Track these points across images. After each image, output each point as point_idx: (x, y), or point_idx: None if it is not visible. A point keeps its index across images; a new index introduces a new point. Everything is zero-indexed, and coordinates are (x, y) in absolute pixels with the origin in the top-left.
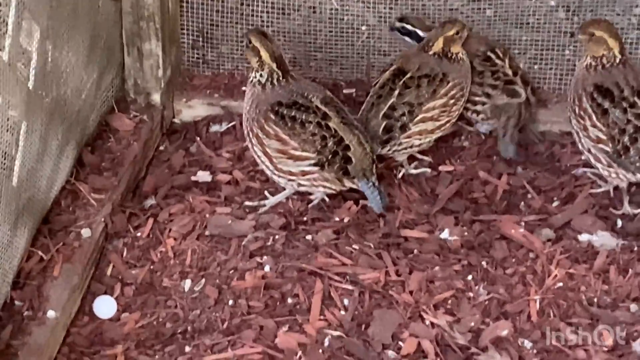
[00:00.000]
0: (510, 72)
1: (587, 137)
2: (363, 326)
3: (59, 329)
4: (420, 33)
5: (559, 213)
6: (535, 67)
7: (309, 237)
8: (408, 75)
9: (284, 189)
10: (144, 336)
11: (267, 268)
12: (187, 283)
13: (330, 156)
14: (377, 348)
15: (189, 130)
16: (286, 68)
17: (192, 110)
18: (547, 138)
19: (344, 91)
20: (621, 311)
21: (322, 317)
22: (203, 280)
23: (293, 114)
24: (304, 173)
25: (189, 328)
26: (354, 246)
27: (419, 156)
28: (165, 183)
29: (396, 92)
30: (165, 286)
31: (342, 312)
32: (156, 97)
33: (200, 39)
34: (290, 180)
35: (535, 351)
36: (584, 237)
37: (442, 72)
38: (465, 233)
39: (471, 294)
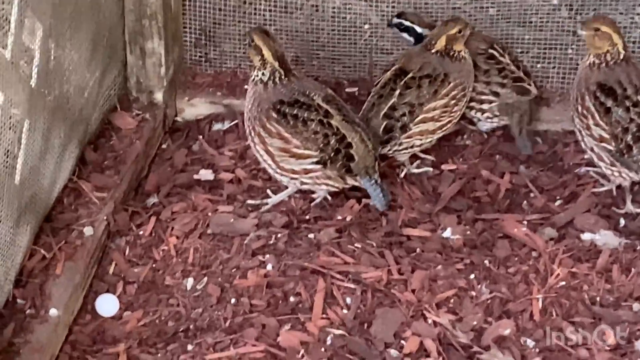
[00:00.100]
0: (515, 69)
1: (590, 135)
2: (365, 325)
3: (61, 327)
4: (419, 29)
5: (562, 212)
6: (538, 65)
7: (311, 235)
8: (409, 76)
9: (286, 187)
10: (146, 334)
11: (269, 266)
12: (190, 281)
13: (332, 154)
14: (380, 347)
15: (192, 129)
16: (288, 67)
17: (194, 108)
18: (550, 137)
19: (347, 90)
20: (624, 310)
21: (324, 316)
22: (205, 279)
23: (295, 112)
24: (306, 171)
25: (191, 326)
26: (356, 245)
27: (422, 155)
28: (168, 181)
29: (397, 92)
30: (167, 284)
31: (345, 311)
32: (159, 96)
33: (203, 37)
34: (292, 178)
35: (537, 350)
36: (586, 236)
37: (443, 73)
38: (468, 232)
39: (474, 293)
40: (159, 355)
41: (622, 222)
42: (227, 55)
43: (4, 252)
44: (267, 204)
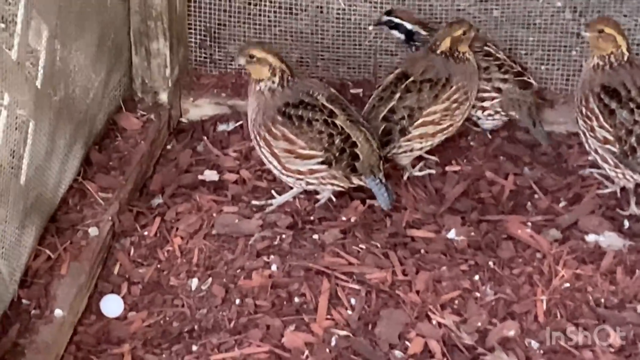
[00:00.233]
0: (513, 64)
1: (594, 137)
2: (370, 326)
3: (66, 328)
4: (409, 26)
5: (566, 213)
6: (542, 67)
7: (315, 236)
8: (411, 79)
9: (291, 188)
10: (150, 335)
11: (274, 267)
12: (194, 282)
13: (337, 154)
14: (384, 348)
15: (196, 130)
16: (291, 66)
17: (199, 109)
18: (554, 138)
19: (351, 91)
20: (628, 312)
21: (329, 317)
22: (210, 279)
23: (300, 113)
24: (312, 171)
25: (195, 327)
26: (360, 246)
27: (425, 155)
28: (173, 182)
29: (397, 96)
30: (172, 285)
31: (349, 312)
32: (164, 97)
33: (208, 38)
34: (298, 179)
35: (542, 352)
36: (590, 238)
37: (445, 77)
38: (472, 233)
39: (478, 294)
40: (164, 355)
41: (626, 223)
42: (232, 57)
43: (9, 253)
44: (271, 204)
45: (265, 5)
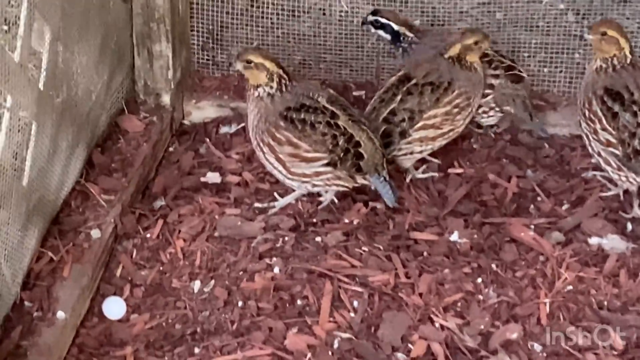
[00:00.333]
0: (502, 58)
1: (597, 140)
2: (372, 328)
3: (68, 330)
4: (395, 26)
5: (569, 216)
6: (545, 70)
7: (318, 238)
8: (412, 82)
9: (293, 190)
10: (153, 337)
11: (276, 269)
12: (197, 284)
13: (342, 154)
14: (387, 350)
15: (199, 132)
16: (288, 71)
17: (201, 111)
18: (557, 141)
19: (354, 93)
20: (631, 315)
21: (331, 319)
22: (212, 282)
23: (302, 116)
24: (317, 174)
25: (198, 329)
26: (363, 248)
27: (428, 158)
28: (175, 184)
29: (398, 98)
30: (174, 287)
31: (352, 314)
32: (166, 99)
33: (210, 40)
34: (304, 182)
35: (545, 354)
36: (593, 241)
37: (448, 81)
38: (475, 236)
39: (481, 297)
40: (166, 358)
41: (630, 226)
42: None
43: (11, 255)
44: (274, 207)
45: (267, 8)
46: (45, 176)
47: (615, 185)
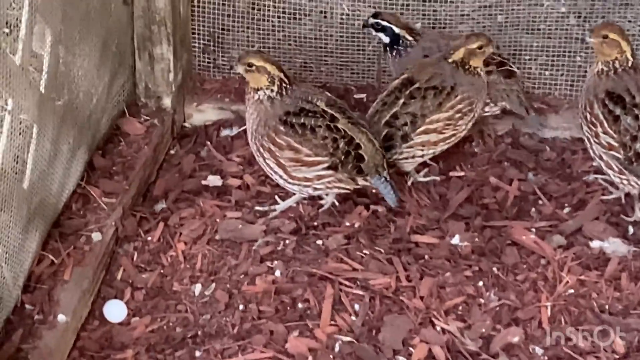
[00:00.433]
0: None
1: (599, 143)
2: (374, 331)
3: (69, 333)
4: (396, 29)
5: (570, 219)
6: (546, 73)
7: (319, 242)
8: (415, 86)
9: (294, 193)
10: (154, 340)
11: (277, 273)
12: (198, 287)
13: (343, 157)
14: (388, 354)
15: (200, 135)
16: (289, 74)
17: (202, 114)
18: (558, 144)
19: (355, 96)
20: (633, 318)
21: (332, 322)
22: (213, 285)
23: (302, 121)
24: (318, 177)
25: (199, 332)
26: (364, 251)
27: (429, 161)
28: (176, 187)
29: (401, 102)
30: (175, 290)
31: (353, 318)
32: (167, 101)
33: (211, 43)
34: (305, 186)
35: (546, 358)
36: (595, 244)
37: (451, 85)
38: (476, 239)
39: (482, 300)
40: None
41: (631, 230)
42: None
43: (12, 258)
44: (275, 210)
45: (268, 10)
46: (46, 179)
47: (617, 188)
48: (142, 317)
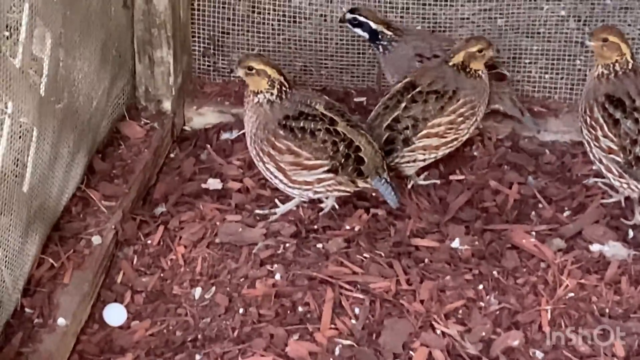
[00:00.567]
0: None
1: (599, 147)
2: (374, 335)
3: (69, 337)
4: (373, 25)
5: (570, 223)
6: (546, 76)
7: (319, 245)
8: (417, 90)
9: (294, 197)
10: (154, 344)
11: (277, 276)
12: (198, 291)
13: (343, 160)
14: (388, 357)
15: (200, 138)
16: (288, 77)
17: (202, 117)
18: (558, 148)
19: (355, 99)
20: (633, 322)
21: (332, 326)
22: (213, 288)
23: (301, 124)
24: (319, 180)
25: (199, 336)
26: (364, 255)
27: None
28: (176, 190)
29: (403, 105)
30: (175, 294)
31: (353, 321)
32: (167, 105)
33: (211, 46)
34: (305, 189)
35: None
36: (595, 248)
37: (453, 89)
38: (476, 242)
39: (482, 304)
40: None
41: (631, 233)
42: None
43: (12, 261)
44: (275, 213)
45: (268, 14)
46: (46, 182)
47: (617, 192)
48: (142, 320)
